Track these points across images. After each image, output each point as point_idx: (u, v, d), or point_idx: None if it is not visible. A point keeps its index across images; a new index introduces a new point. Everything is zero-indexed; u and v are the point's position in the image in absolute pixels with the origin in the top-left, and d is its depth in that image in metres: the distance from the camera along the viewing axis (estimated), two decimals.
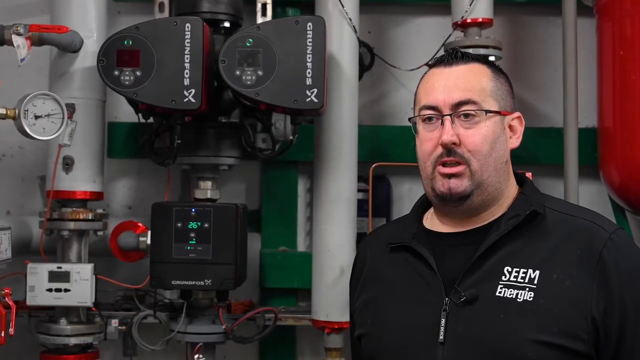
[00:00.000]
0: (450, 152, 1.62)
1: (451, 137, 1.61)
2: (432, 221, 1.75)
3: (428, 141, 1.65)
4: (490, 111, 1.63)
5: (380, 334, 1.69)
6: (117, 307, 2.98)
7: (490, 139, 1.63)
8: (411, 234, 1.72)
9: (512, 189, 1.70)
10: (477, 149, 1.62)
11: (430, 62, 1.74)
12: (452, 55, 1.69)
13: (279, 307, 3.04)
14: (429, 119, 1.65)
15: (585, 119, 3.10)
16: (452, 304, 1.59)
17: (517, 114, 1.71)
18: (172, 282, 2.65)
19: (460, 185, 1.62)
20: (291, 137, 2.78)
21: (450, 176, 1.62)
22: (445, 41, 2.90)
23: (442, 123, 1.63)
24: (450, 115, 1.62)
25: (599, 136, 2.99)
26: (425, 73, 1.73)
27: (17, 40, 2.54)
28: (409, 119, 1.72)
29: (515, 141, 1.71)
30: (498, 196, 1.67)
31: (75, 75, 2.76)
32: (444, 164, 1.63)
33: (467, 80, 1.65)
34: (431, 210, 1.77)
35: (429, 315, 1.60)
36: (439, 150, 1.63)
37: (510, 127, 1.69)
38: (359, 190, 2.91)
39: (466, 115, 1.62)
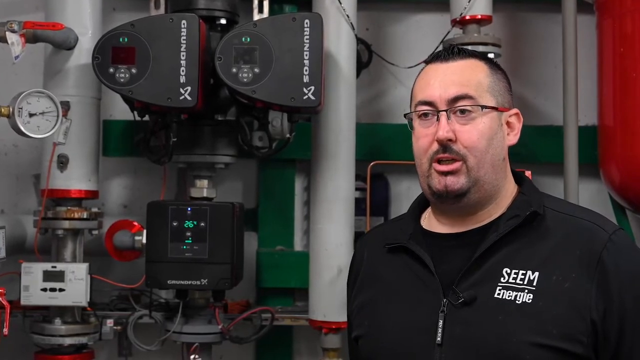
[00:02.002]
0: (446, 148, 1.59)
1: (447, 134, 1.58)
2: (429, 221, 1.72)
3: (424, 137, 1.63)
4: (486, 107, 1.61)
5: (377, 336, 1.67)
6: (113, 307, 2.97)
7: (487, 135, 1.61)
8: (408, 234, 1.70)
9: (509, 188, 1.68)
10: (473, 145, 1.59)
11: (427, 59, 1.71)
12: (448, 51, 1.67)
13: (276, 307, 3.03)
14: (425, 114, 1.63)
15: (585, 116, 3.09)
16: (450, 306, 1.56)
17: (515, 110, 1.69)
18: (168, 282, 2.63)
19: (456, 182, 1.60)
20: (288, 135, 2.76)
21: (446, 173, 1.60)
22: (444, 38, 2.89)
23: (438, 119, 1.60)
24: (446, 111, 1.60)
25: (599, 134, 2.97)
26: (422, 69, 1.70)
27: (11, 37, 2.52)
28: (405, 115, 1.69)
29: (513, 138, 1.68)
30: (495, 194, 1.64)
31: (70, 73, 2.74)
32: (440, 161, 1.60)
33: (464, 75, 1.63)
34: (429, 210, 1.75)
35: (426, 316, 1.58)
36: (435, 146, 1.60)
37: (508, 123, 1.67)
38: (356, 189, 2.89)
39: (462, 111, 1.60)
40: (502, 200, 1.65)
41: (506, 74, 1.71)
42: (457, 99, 1.60)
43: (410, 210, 1.78)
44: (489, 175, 1.61)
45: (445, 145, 1.59)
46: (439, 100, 1.61)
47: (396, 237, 1.71)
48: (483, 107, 1.60)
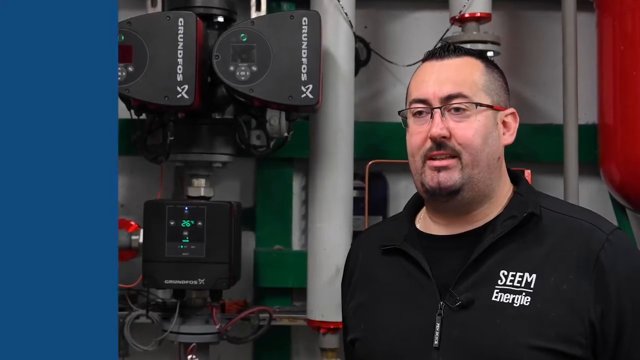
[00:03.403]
0: (440, 146, 1.58)
1: (440, 131, 1.57)
2: (424, 222, 1.71)
3: (417, 134, 1.62)
4: (481, 104, 1.60)
5: (373, 339, 1.66)
6: None
7: (482, 133, 1.59)
8: (403, 236, 1.68)
9: (505, 188, 1.66)
10: (468, 142, 1.58)
11: (423, 57, 1.70)
12: (444, 49, 1.66)
13: (274, 306, 3.01)
14: (419, 112, 1.62)
15: (585, 115, 3.07)
16: (447, 308, 1.55)
17: (511, 110, 1.68)
18: (165, 282, 2.62)
19: (449, 179, 1.58)
20: (286, 134, 2.74)
21: (439, 169, 1.58)
22: (443, 36, 2.87)
23: (432, 117, 1.59)
24: (440, 108, 1.58)
25: (599, 133, 2.95)
26: (418, 67, 1.69)
27: None
28: (399, 112, 1.68)
29: (509, 138, 1.67)
30: (490, 194, 1.63)
31: None
32: (434, 158, 1.59)
33: (459, 74, 1.61)
34: (423, 210, 1.73)
35: (423, 319, 1.57)
36: (429, 144, 1.59)
37: (503, 123, 1.66)
38: (355, 188, 2.87)
39: (457, 109, 1.59)
40: (498, 200, 1.64)
41: (503, 73, 1.69)
42: (451, 97, 1.59)
43: (405, 211, 1.76)
44: (483, 174, 1.60)
45: (439, 143, 1.57)
46: (432, 98, 1.60)
47: (391, 238, 1.70)
48: (477, 104, 1.59)
